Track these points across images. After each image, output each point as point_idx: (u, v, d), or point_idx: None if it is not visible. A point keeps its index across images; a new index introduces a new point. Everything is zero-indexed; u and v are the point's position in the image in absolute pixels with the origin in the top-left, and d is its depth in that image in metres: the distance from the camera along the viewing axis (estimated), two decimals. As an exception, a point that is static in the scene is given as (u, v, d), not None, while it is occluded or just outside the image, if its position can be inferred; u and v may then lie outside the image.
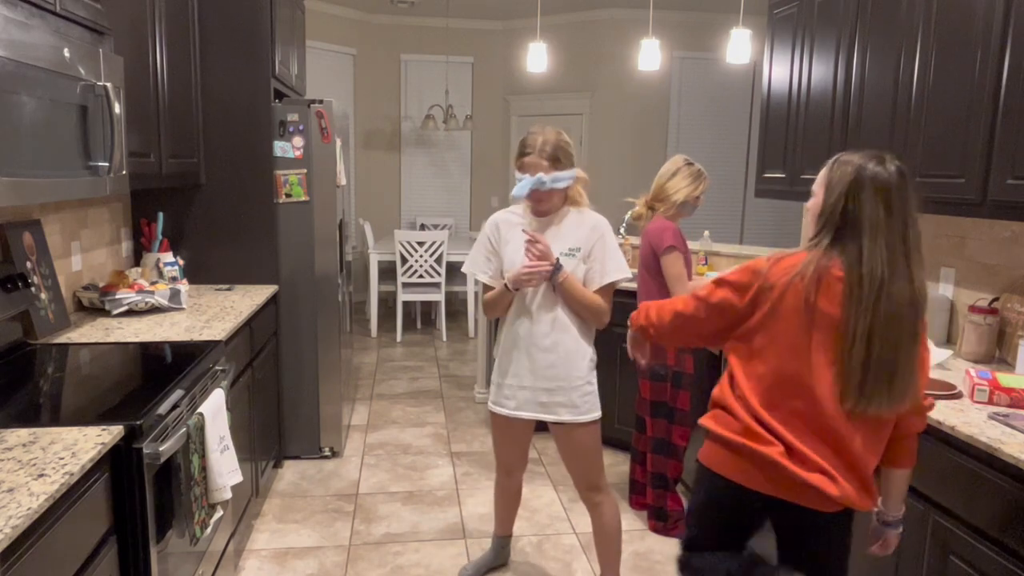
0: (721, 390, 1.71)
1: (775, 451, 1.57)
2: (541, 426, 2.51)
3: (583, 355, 2.37)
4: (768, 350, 1.59)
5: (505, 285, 2.30)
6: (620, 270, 2.32)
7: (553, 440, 2.54)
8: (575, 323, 2.34)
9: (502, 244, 2.38)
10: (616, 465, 3.79)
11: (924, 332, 1.55)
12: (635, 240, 4.61)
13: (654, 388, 3.04)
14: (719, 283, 1.69)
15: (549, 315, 2.33)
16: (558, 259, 2.23)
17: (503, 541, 2.85)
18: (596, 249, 2.31)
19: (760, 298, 1.59)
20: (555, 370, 2.35)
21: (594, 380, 2.41)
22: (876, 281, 1.48)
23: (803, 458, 1.56)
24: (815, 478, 1.55)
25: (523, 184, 2.25)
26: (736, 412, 1.64)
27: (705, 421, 1.73)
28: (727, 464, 1.66)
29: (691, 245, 3.12)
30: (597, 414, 2.41)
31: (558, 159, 2.25)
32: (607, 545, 2.54)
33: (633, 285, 3.59)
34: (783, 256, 1.61)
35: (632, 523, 3.23)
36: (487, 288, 2.43)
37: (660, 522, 3.14)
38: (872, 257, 1.49)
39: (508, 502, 2.76)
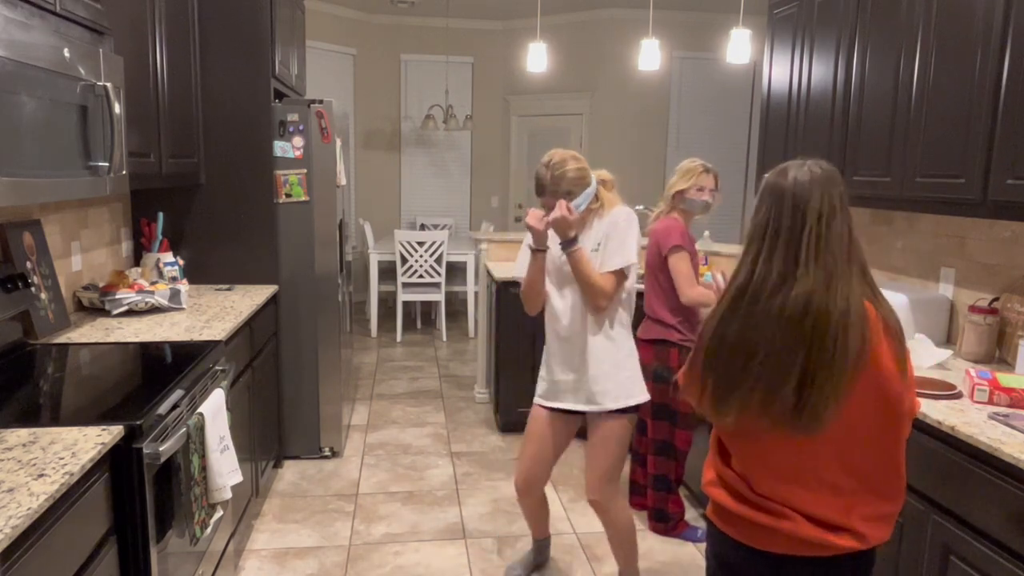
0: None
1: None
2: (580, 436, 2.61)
3: (610, 348, 2.42)
4: None
5: (529, 247, 2.39)
6: (620, 259, 2.35)
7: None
8: (601, 318, 2.41)
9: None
10: (616, 465, 3.79)
11: (860, 350, 1.32)
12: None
13: (656, 390, 3.03)
14: None
15: (575, 310, 2.42)
16: (576, 236, 2.31)
17: (541, 544, 2.85)
18: (606, 237, 2.39)
19: None
20: (583, 361, 2.43)
21: (628, 371, 2.45)
22: (754, 287, 1.38)
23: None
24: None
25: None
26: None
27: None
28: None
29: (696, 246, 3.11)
30: (622, 403, 2.42)
31: (571, 192, 2.34)
32: (620, 545, 2.59)
33: (641, 285, 3.58)
34: None
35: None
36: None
37: (661, 523, 3.13)
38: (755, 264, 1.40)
39: (533, 513, 2.72)
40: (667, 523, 3.12)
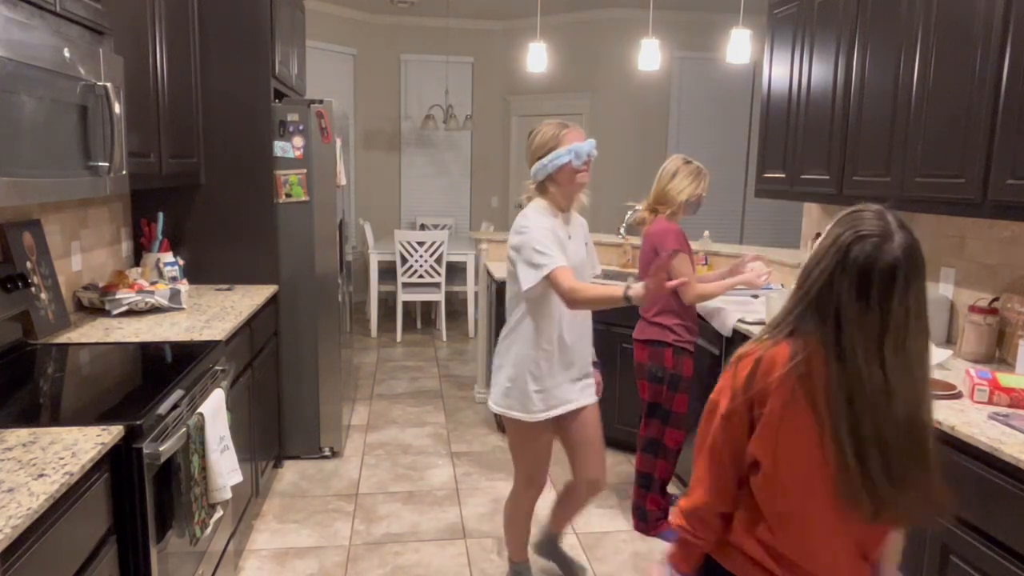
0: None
1: None
2: None
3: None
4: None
5: (627, 297, 2.15)
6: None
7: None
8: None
9: (564, 240, 2.37)
10: (616, 465, 3.79)
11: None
12: (635, 240, 4.61)
13: (651, 389, 3.04)
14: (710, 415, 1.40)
15: (584, 315, 2.47)
16: (628, 286, 2.18)
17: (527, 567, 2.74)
18: (586, 235, 2.53)
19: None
20: (586, 356, 2.51)
21: None
22: (863, 382, 1.23)
23: None
24: None
25: (590, 143, 2.35)
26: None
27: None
28: None
29: (691, 245, 3.11)
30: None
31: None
32: (574, 510, 2.70)
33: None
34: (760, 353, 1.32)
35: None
36: (551, 278, 2.23)
37: (643, 522, 3.14)
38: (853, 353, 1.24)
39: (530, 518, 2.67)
40: (647, 522, 3.12)
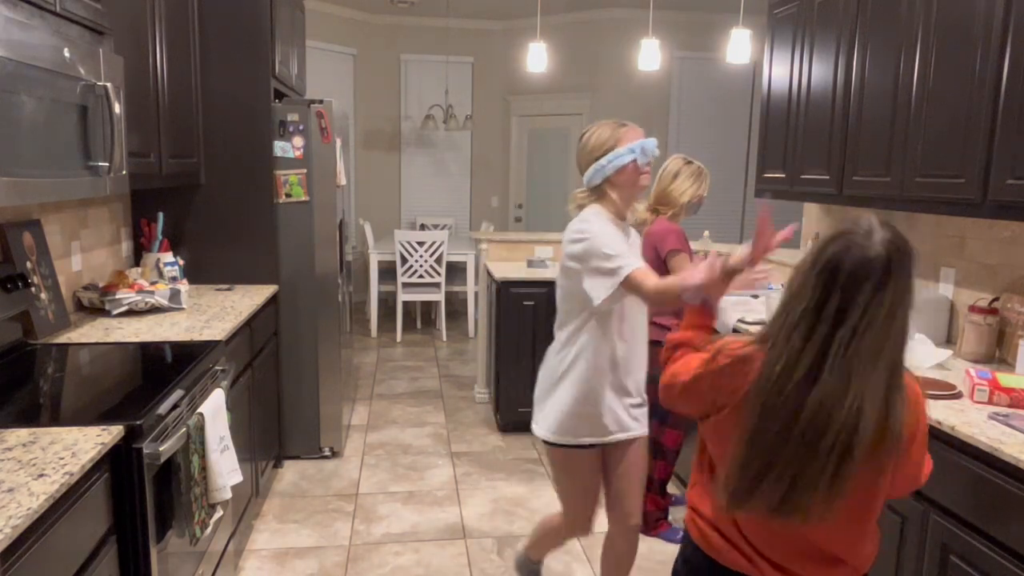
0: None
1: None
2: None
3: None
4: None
5: (708, 302, 1.93)
6: None
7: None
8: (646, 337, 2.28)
9: (625, 244, 2.14)
10: (616, 465, 3.79)
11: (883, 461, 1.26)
12: (635, 240, 4.61)
13: (650, 390, 3.03)
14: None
15: (643, 332, 2.23)
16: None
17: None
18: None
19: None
20: (640, 378, 2.29)
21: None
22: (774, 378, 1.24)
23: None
24: None
25: (652, 140, 2.11)
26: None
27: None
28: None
29: (691, 245, 3.12)
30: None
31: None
32: (629, 565, 2.44)
33: None
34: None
35: (632, 523, 3.23)
36: (631, 281, 1.99)
37: (643, 523, 3.13)
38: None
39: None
40: (645, 523, 3.11)
